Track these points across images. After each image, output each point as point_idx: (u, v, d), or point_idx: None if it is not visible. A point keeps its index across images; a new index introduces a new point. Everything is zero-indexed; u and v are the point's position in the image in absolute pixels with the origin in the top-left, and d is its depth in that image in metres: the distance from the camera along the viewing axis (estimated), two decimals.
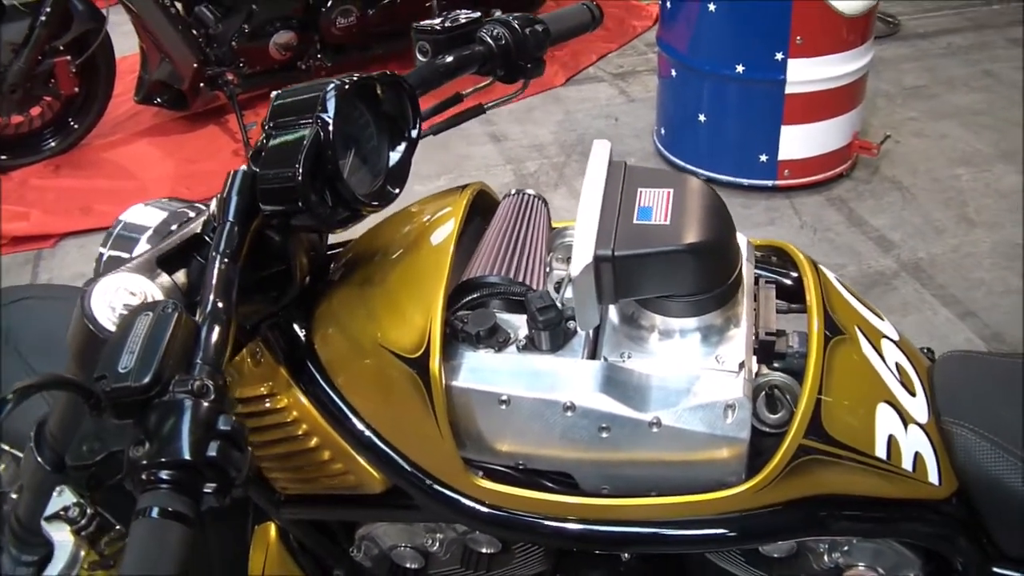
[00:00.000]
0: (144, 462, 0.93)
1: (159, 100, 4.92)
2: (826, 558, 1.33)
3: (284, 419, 1.33)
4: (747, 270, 1.32)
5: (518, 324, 1.27)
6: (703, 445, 1.18)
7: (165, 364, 0.98)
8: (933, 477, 1.27)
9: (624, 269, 1.15)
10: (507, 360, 1.23)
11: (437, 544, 1.43)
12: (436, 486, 1.27)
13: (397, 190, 1.26)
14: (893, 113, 4.81)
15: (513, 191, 1.50)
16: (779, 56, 3.74)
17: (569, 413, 1.18)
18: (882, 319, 1.40)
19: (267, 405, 1.33)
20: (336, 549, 1.53)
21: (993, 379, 1.38)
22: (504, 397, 1.20)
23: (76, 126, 4.80)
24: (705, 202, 1.21)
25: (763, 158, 3.97)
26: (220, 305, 1.09)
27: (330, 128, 1.13)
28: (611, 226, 1.17)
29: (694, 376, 1.19)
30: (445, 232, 1.31)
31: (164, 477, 0.92)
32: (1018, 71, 5.22)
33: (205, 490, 0.94)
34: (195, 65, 4.69)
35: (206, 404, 0.97)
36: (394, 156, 1.29)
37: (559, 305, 1.22)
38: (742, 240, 1.35)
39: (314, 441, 1.33)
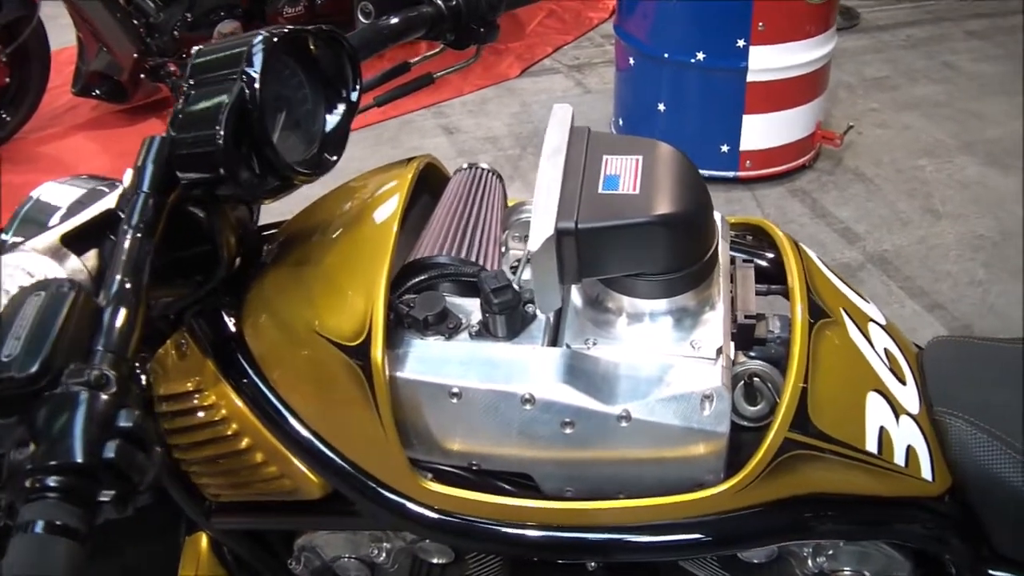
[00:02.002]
0: (28, 467, 0.81)
1: (97, 92, 4.73)
2: (810, 563, 1.23)
3: (212, 418, 1.21)
4: (723, 249, 1.21)
5: (470, 308, 1.15)
6: (677, 441, 1.07)
7: (57, 351, 0.87)
8: (926, 472, 1.17)
9: (589, 244, 1.03)
10: (458, 348, 1.11)
11: (384, 554, 1.31)
12: (380, 490, 1.16)
13: (334, 158, 1.15)
14: (855, 104, 4.77)
15: (465, 165, 1.38)
16: (741, 43, 3.66)
17: (528, 407, 1.07)
18: (867, 302, 1.30)
19: (193, 403, 1.22)
20: (274, 561, 1.41)
21: (987, 365, 1.28)
22: (455, 389, 1.09)
23: (8, 119, 4.59)
24: (678, 170, 1.09)
25: (724, 148, 3.89)
26: (128, 286, 0.98)
27: (256, 85, 1.02)
28: (574, 196, 1.05)
29: (667, 364, 1.08)
30: (389, 208, 1.19)
31: (51, 484, 0.80)
32: (977, 63, 5.20)
33: (101, 498, 0.82)
34: (135, 55, 4.50)
35: (104, 397, 0.86)
36: (331, 120, 1.18)
37: (516, 287, 1.10)
38: (717, 216, 1.24)
39: (245, 442, 1.21)
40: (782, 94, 3.81)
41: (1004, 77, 4.99)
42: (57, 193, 1.19)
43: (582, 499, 1.12)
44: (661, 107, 3.93)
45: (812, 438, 1.08)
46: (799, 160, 4.04)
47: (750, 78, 3.72)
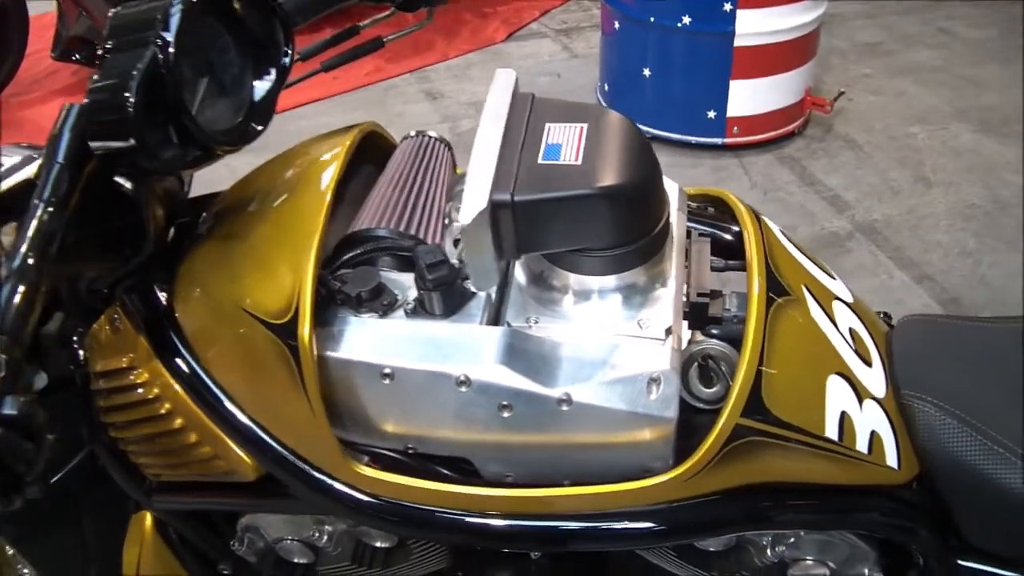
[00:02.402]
0: None
1: (78, 57, 4.62)
2: (769, 552, 1.17)
3: (145, 396, 1.16)
4: (678, 221, 1.15)
5: (408, 284, 1.09)
6: (622, 426, 1.01)
7: None
8: (891, 459, 1.11)
9: (526, 217, 0.96)
10: (392, 326, 1.05)
11: (325, 537, 1.26)
12: (313, 474, 1.11)
13: (260, 127, 1.08)
14: (848, 70, 4.67)
15: (412, 133, 1.30)
16: (727, 7, 3.56)
17: (463, 388, 1.01)
18: (834, 278, 1.23)
19: (128, 380, 1.16)
20: (219, 541, 1.36)
21: (960, 346, 1.22)
22: (387, 370, 1.03)
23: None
24: (625, 140, 1.02)
25: (711, 114, 3.80)
26: (31, 261, 0.93)
27: (171, 49, 0.95)
28: (512, 166, 0.98)
29: (612, 344, 1.02)
30: (323, 179, 1.13)
31: None
32: (973, 29, 5.09)
33: None
34: None
35: None
36: (260, 87, 1.10)
37: (456, 262, 1.03)
38: (673, 187, 1.17)
39: (178, 422, 1.16)
40: (770, 59, 3.71)
41: (1001, 43, 4.88)
42: None
43: (524, 485, 1.07)
44: (647, 72, 3.84)
45: (766, 424, 1.02)
46: (788, 127, 3.95)
47: (737, 43, 3.62)
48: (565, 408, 1.00)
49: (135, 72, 0.94)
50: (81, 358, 1.23)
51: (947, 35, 5.03)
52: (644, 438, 1.01)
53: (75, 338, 1.25)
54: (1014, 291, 3.10)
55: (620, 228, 1.00)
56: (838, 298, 1.19)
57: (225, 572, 1.37)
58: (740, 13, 3.57)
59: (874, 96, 4.42)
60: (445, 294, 1.03)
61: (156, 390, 1.14)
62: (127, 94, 0.93)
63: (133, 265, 1.14)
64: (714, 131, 3.84)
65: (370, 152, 1.28)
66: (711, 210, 1.26)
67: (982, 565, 1.16)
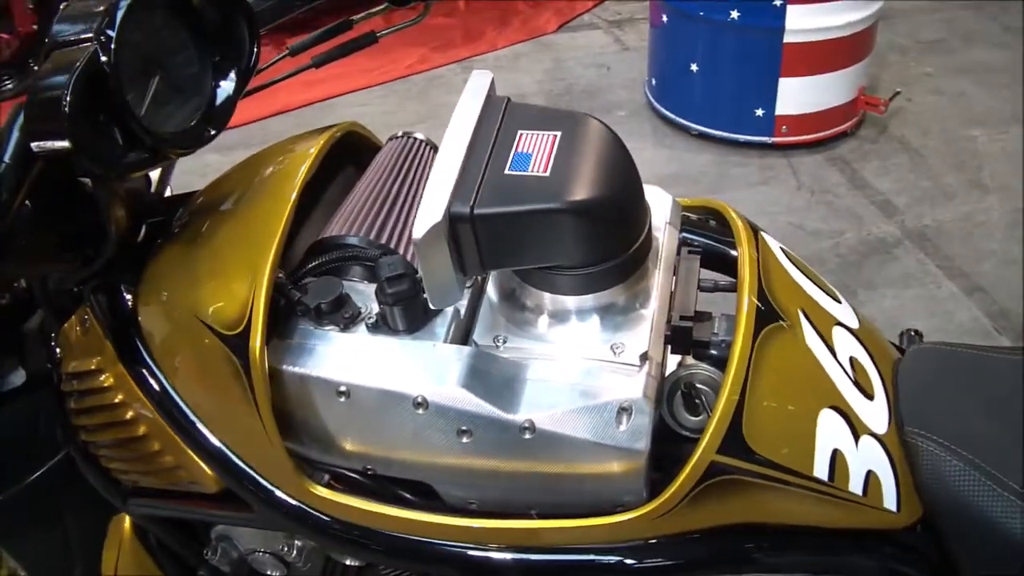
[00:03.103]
0: None
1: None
2: None
3: (111, 400, 1.12)
4: (669, 236, 1.07)
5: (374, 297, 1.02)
6: (589, 457, 0.94)
7: None
8: (890, 502, 1.02)
9: (488, 232, 0.90)
10: (351, 341, 1.00)
11: (295, 552, 1.21)
12: (271, 490, 1.06)
13: (214, 131, 1.02)
14: (907, 68, 4.49)
15: (400, 133, 1.24)
16: (777, 1, 3.44)
17: (420, 411, 0.95)
18: (839, 301, 1.14)
19: (96, 383, 1.13)
20: (196, 549, 1.32)
21: (974, 380, 1.12)
22: (343, 388, 0.97)
23: (36, 67, 4.52)
24: (600, 150, 0.95)
25: (759, 112, 3.68)
26: None
27: (112, 46, 0.90)
28: (476, 176, 0.91)
29: (582, 369, 0.95)
30: (289, 183, 1.06)
31: None
32: None
33: None
34: None
35: None
36: (223, 89, 1.04)
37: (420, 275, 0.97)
38: (665, 199, 1.09)
39: (142, 429, 1.12)
40: (821, 56, 3.58)
41: None
42: None
43: (487, 514, 1.00)
44: (694, 67, 3.73)
45: (746, 462, 0.94)
46: (839, 127, 3.81)
47: (787, 39, 3.49)
48: (528, 436, 0.93)
49: (73, 70, 0.88)
50: (58, 357, 1.20)
51: (1012, 33, 4.82)
52: (612, 471, 0.94)
53: (54, 334, 1.22)
54: None
55: (591, 245, 0.92)
56: (840, 323, 1.10)
57: None
58: (790, 8, 3.44)
59: (933, 96, 4.25)
60: (407, 309, 0.97)
61: (121, 395, 1.11)
62: (64, 91, 0.88)
63: (98, 266, 1.09)
64: (762, 129, 3.72)
65: (354, 153, 1.22)
66: (713, 223, 1.18)
67: None
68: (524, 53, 4.78)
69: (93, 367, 1.12)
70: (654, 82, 4.06)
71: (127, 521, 1.39)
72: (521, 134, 0.96)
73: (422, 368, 0.95)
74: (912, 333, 1.29)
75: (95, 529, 1.44)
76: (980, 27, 4.89)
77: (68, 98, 0.87)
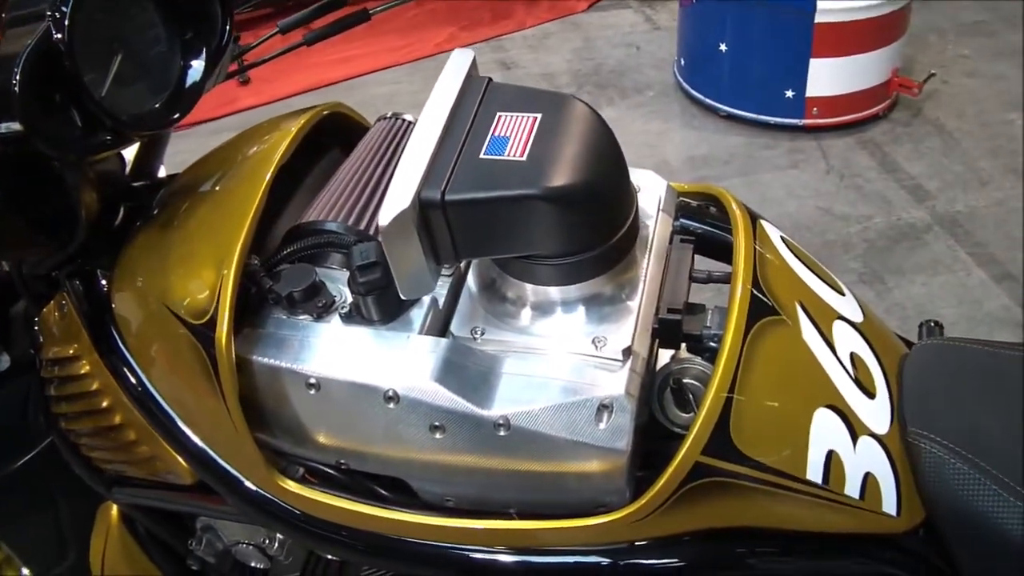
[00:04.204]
0: None
1: None
2: None
3: (88, 388, 1.10)
4: (662, 224, 1.02)
5: None
6: (566, 456, 0.90)
7: None
8: (889, 505, 0.97)
9: (460, 219, 0.85)
10: (322, 331, 0.96)
11: (276, 544, 1.18)
12: (242, 483, 1.03)
13: (178, 114, 0.98)
14: (944, 50, 4.38)
15: (389, 114, 1.19)
16: None
17: (391, 405, 0.91)
18: (842, 294, 1.09)
19: (73, 369, 1.11)
20: (183, 538, 1.29)
21: (981, 379, 1.06)
22: (312, 380, 0.93)
23: None
24: (582, 134, 0.90)
25: (789, 94, 3.59)
26: None
27: (66, 24, 0.86)
28: (449, 160, 0.87)
29: (561, 364, 0.90)
30: (263, 166, 1.02)
31: None
32: None
33: None
34: None
35: None
36: (193, 70, 1.00)
37: None
38: (659, 184, 1.04)
39: (118, 418, 1.10)
40: (853, 37, 3.48)
41: None
42: None
43: (463, 512, 0.97)
44: (723, 47, 3.65)
45: (732, 463, 0.89)
46: (872, 109, 3.71)
47: (818, 19, 3.40)
48: (503, 433, 0.89)
49: (23, 49, 0.85)
50: (39, 342, 1.18)
51: None
52: (592, 470, 0.90)
53: (36, 319, 1.20)
54: None
55: (570, 234, 0.88)
56: (842, 318, 1.04)
57: (194, 568, 1.31)
58: None
59: (970, 79, 4.13)
60: (380, 299, 0.93)
61: (97, 383, 1.09)
62: (15, 70, 0.84)
63: (71, 249, 1.07)
64: (792, 111, 3.63)
65: (342, 135, 1.18)
66: (713, 210, 1.13)
67: None
68: (553, 32, 4.71)
69: (71, 353, 1.10)
70: (682, 62, 3.99)
71: (114, 509, 1.37)
72: (500, 116, 0.91)
73: (394, 360, 0.92)
74: (932, 325, 1.23)
75: (88, 515, 1.42)
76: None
77: (17, 77, 0.84)
